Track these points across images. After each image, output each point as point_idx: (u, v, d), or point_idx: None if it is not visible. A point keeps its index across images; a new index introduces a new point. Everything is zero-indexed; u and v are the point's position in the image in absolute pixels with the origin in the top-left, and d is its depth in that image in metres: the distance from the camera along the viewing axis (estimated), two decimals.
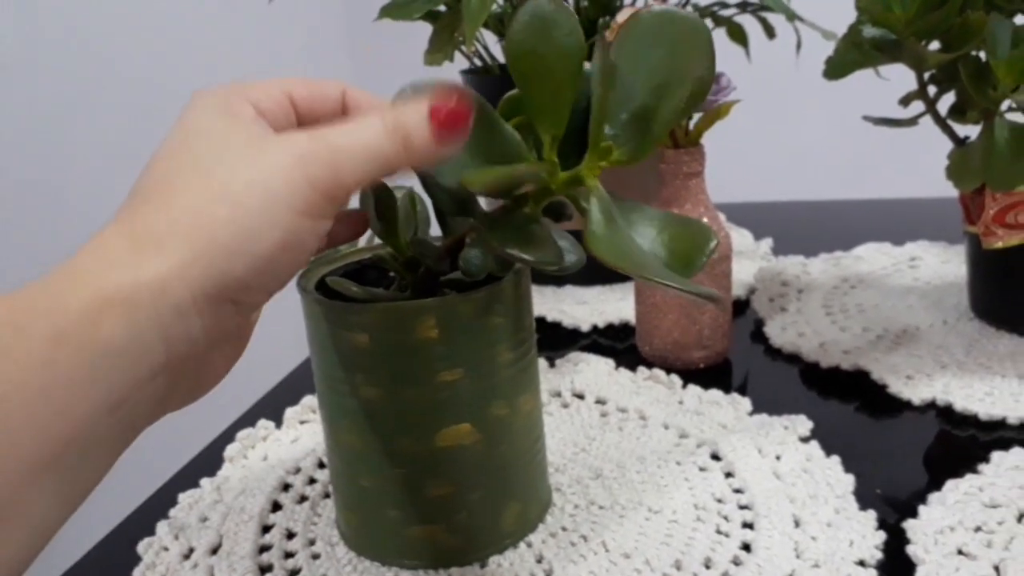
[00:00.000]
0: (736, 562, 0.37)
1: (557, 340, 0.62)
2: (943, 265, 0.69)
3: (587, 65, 0.33)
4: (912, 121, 0.54)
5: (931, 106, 0.54)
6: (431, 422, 0.36)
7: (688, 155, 0.52)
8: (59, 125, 0.91)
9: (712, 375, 0.55)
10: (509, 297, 0.37)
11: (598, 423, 0.49)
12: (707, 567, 0.37)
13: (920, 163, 1.10)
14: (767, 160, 1.38)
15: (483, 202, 0.39)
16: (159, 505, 0.44)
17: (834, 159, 1.39)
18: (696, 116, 0.53)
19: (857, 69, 0.53)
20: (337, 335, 0.36)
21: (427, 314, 0.35)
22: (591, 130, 0.31)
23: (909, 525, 0.38)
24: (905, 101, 0.55)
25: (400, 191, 0.39)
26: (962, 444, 0.46)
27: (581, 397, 0.52)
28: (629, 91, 0.33)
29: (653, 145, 0.32)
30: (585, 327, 0.63)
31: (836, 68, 0.54)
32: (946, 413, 0.48)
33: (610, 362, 0.55)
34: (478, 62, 0.71)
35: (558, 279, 0.72)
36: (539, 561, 0.38)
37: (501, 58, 0.71)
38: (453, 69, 0.68)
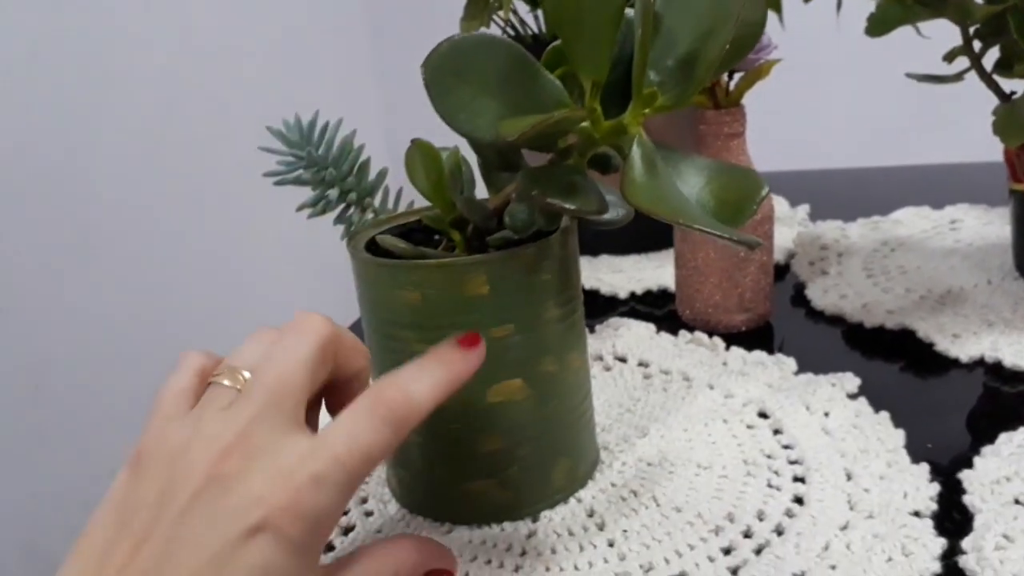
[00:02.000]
0: (789, 514, 0.37)
1: (595, 307, 0.62)
2: (985, 227, 0.68)
3: (629, 12, 0.33)
4: (957, 77, 0.53)
5: (976, 61, 0.53)
6: (482, 378, 0.36)
7: (729, 116, 0.52)
8: (78, 136, 0.92)
9: (754, 337, 0.54)
10: (556, 254, 0.37)
11: (642, 385, 0.49)
12: (760, 519, 0.37)
13: (957, 129, 1.08)
14: (801, 128, 1.36)
15: (530, 161, 0.39)
16: None
17: (869, 126, 1.37)
18: (737, 76, 0.53)
19: (900, 25, 0.53)
20: (388, 293, 0.36)
21: (477, 270, 0.35)
22: (634, 76, 0.31)
23: (965, 476, 0.38)
24: (949, 57, 0.54)
25: (445, 151, 0.39)
26: (1013, 400, 0.45)
27: (623, 360, 0.52)
28: (675, 37, 0.32)
29: (698, 88, 0.31)
30: (623, 294, 0.63)
31: (878, 24, 0.53)
32: (995, 370, 0.48)
33: (651, 326, 0.55)
34: (511, 32, 0.71)
35: (593, 248, 0.72)
36: (590, 515, 0.38)
37: (534, 27, 0.71)
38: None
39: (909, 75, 0.55)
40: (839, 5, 0.62)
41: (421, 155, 0.38)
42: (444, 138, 0.38)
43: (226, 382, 0.30)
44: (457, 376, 0.31)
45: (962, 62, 0.54)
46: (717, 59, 0.29)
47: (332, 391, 0.33)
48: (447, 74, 0.31)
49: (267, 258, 1.23)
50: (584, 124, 0.32)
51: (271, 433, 0.28)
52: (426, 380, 0.30)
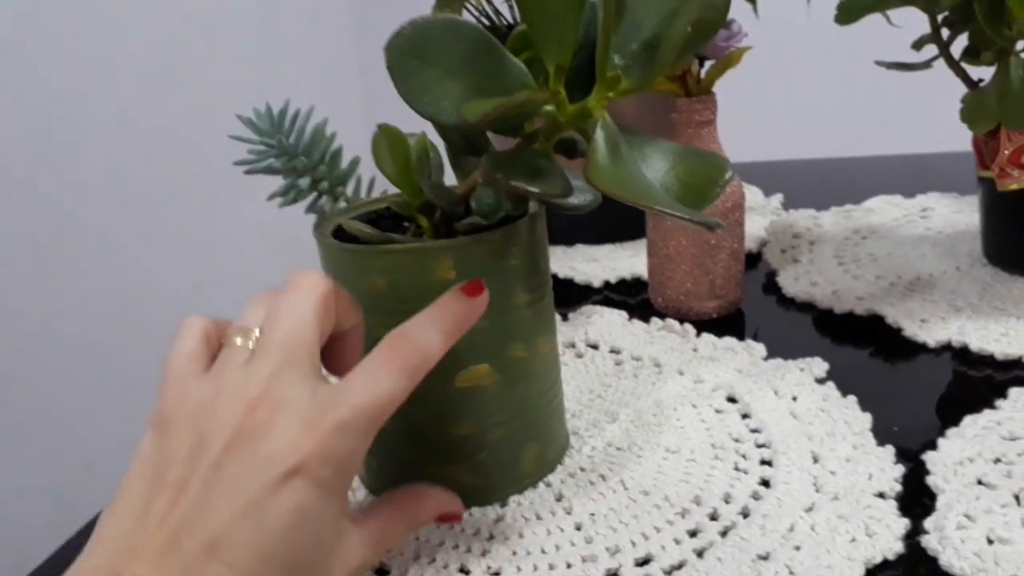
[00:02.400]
0: (756, 496, 0.37)
1: (569, 296, 0.62)
2: (955, 215, 0.69)
3: None
4: (926, 64, 0.53)
5: (944, 49, 0.53)
6: (450, 363, 0.36)
7: (700, 103, 0.52)
8: (54, 127, 0.91)
9: (725, 324, 0.55)
10: (524, 239, 0.37)
11: (613, 371, 0.49)
12: (727, 502, 0.37)
13: (928, 118, 1.09)
14: (774, 117, 1.37)
15: (499, 146, 0.39)
16: None
17: (841, 116, 1.38)
18: (708, 64, 0.53)
19: (869, 12, 0.53)
20: (355, 279, 0.36)
21: (444, 255, 0.35)
22: (598, 60, 0.31)
23: (928, 457, 0.38)
24: (918, 45, 0.54)
25: (412, 137, 0.39)
26: (978, 383, 0.46)
27: (595, 347, 0.52)
28: (639, 21, 0.32)
29: (662, 71, 0.31)
30: (597, 283, 0.63)
31: (848, 12, 0.53)
32: (962, 354, 0.48)
33: (623, 314, 0.55)
34: (484, 21, 0.71)
35: (568, 238, 0.72)
36: (559, 499, 0.38)
37: (508, 16, 0.70)
38: None
39: (878, 63, 0.55)
40: None
41: (388, 140, 0.37)
42: (423, 125, 0.38)
43: (239, 340, 0.31)
44: (464, 323, 0.33)
45: (931, 50, 0.54)
46: (680, 41, 0.29)
47: (330, 345, 0.33)
48: (410, 57, 0.30)
49: (244, 247, 1.23)
50: (549, 108, 0.32)
51: (292, 385, 0.30)
52: (436, 329, 0.32)
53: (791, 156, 0.96)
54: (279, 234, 1.13)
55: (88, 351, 0.93)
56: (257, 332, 0.31)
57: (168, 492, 0.28)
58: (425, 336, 0.32)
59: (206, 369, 0.31)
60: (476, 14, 0.70)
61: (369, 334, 0.36)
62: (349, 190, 0.54)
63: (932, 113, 1.09)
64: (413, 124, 0.38)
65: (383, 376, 0.30)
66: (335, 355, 0.34)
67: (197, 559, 0.27)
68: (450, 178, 0.40)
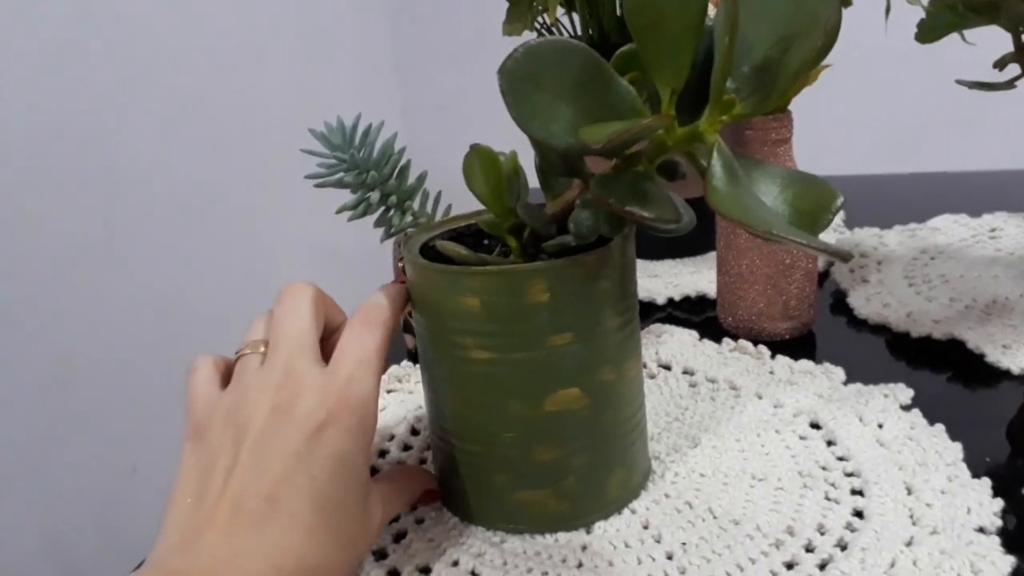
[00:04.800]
0: (851, 528, 0.36)
1: None
2: None
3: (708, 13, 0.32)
4: (1009, 84, 0.52)
5: None
6: (541, 386, 0.36)
7: (776, 121, 0.51)
8: (103, 131, 0.92)
9: (798, 346, 0.54)
10: (616, 262, 0.37)
11: (688, 393, 0.49)
12: (821, 533, 0.36)
13: (985, 135, 1.07)
14: (828, 133, 1.35)
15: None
16: None
17: (895, 132, 1.36)
18: None
19: (951, 31, 0.52)
20: (447, 299, 0.36)
21: (538, 278, 0.35)
22: (713, 82, 0.31)
23: None
24: (1000, 64, 0.53)
25: (503, 156, 0.39)
26: None
27: (667, 368, 0.51)
28: (750, 43, 0.32)
29: (779, 96, 0.31)
30: (660, 300, 0.63)
31: (928, 31, 0.52)
32: None
33: (693, 333, 0.55)
34: (546, 34, 0.70)
35: None
36: (646, 527, 0.38)
37: (570, 29, 0.70)
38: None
39: (960, 82, 0.54)
40: (887, 10, 0.62)
41: (480, 160, 0.37)
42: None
43: (249, 351, 0.36)
44: (402, 293, 0.38)
45: (1012, 70, 0.53)
46: (807, 65, 0.29)
47: (321, 344, 0.37)
48: (522, 80, 0.30)
49: (289, 254, 1.23)
50: (659, 131, 0.31)
51: (304, 366, 0.34)
52: (386, 296, 0.37)
53: (845, 172, 0.95)
54: (320, 242, 1.14)
55: (132, 354, 0.94)
56: (263, 344, 0.36)
57: (220, 475, 0.32)
58: (381, 300, 0.37)
59: (223, 389, 0.35)
60: (538, 27, 0.70)
61: (463, 355, 0.36)
62: (416, 204, 0.54)
63: (988, 130, 1.08)
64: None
65: (364, 333, 0.35)
66: (326, 353, 0.37)
67: (262, 514, 0.30)
68: (533, 197, 0.40)
